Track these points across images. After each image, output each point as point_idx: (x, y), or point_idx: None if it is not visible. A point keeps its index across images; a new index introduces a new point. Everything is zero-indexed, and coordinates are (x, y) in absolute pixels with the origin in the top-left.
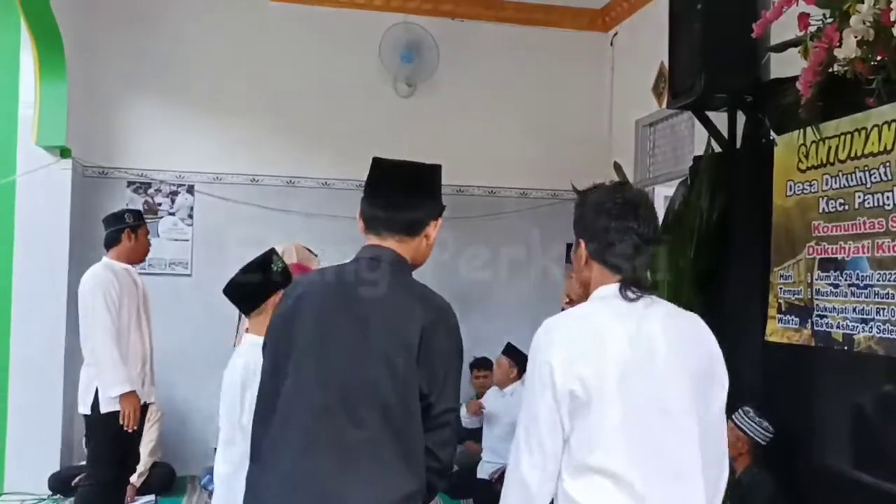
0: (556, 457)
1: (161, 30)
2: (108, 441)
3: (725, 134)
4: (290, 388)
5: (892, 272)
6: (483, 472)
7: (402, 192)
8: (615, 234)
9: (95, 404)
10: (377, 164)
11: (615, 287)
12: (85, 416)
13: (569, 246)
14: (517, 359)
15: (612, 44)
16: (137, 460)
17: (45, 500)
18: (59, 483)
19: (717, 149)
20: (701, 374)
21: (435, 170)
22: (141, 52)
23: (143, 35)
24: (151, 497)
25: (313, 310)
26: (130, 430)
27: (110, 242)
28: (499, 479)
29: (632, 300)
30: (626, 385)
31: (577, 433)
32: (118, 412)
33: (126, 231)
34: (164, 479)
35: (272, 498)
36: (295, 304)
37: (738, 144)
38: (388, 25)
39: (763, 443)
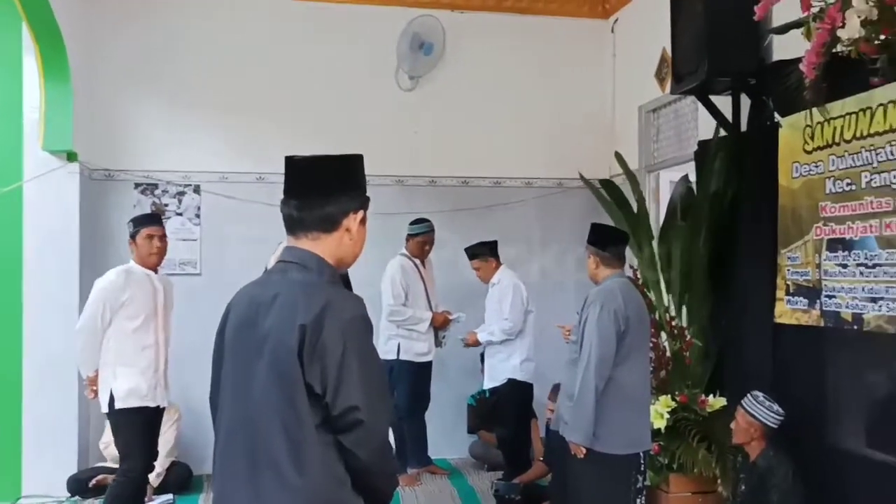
0: None
1: (161, 30)
2: (132, 435)
3: (730, 118)
4: (220, 404)
5: None
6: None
7: (313, 188)
8: None
9: (111, 402)
10: (288, 162)
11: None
12: (106, 414)
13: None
14: (482, 251)
15: (613, 30)
16: (155, 458)
17: (63, 502)
18: (78, 484)
19: (723, 133)
20: None
21: (350, 161)
22: (142, 53)
23: (143, 35)
24: (169, 496)
25: (232, 325)
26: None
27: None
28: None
29: None
30: None
31: None
32: (135, 408)
33: (129, 242)
34: (182, 478)
35: None
36: (223, 319)
37: (743, 128)
38: (395, 19)
39: (774, 426)
